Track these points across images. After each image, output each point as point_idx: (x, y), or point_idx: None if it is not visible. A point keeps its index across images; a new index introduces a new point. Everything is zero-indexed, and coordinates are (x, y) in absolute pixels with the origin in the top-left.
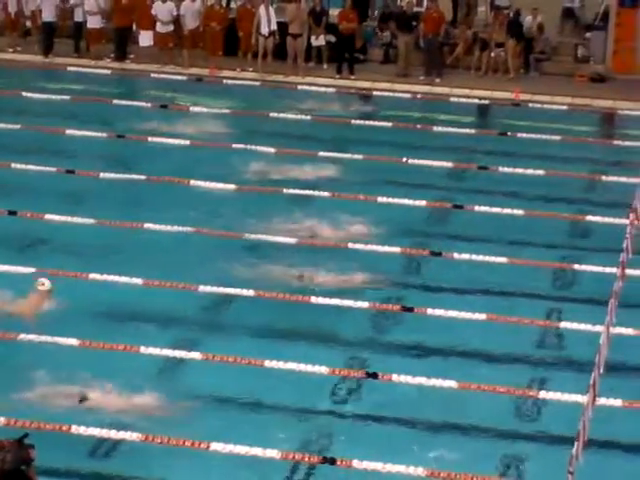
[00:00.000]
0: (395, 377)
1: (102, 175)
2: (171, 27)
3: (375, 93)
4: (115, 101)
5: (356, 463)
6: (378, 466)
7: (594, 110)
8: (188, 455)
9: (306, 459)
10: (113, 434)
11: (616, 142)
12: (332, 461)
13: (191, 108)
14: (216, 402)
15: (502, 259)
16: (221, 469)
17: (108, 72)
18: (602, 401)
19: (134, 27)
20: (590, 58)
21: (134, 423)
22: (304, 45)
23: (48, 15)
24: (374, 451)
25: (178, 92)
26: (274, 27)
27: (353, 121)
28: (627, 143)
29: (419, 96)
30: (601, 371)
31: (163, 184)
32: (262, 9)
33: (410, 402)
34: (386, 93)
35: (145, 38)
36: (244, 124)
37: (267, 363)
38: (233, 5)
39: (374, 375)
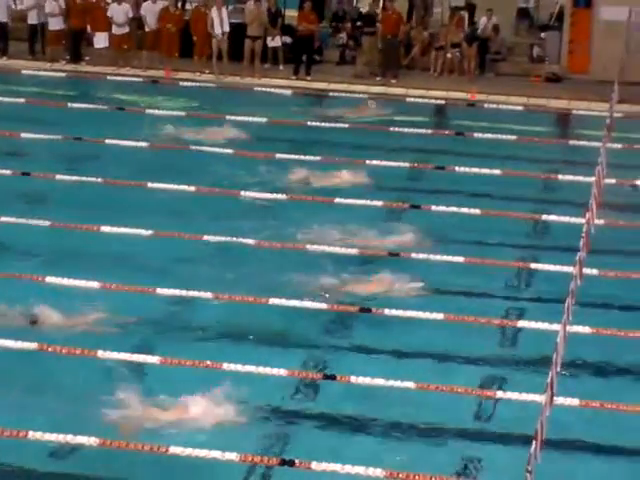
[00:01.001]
0: (353, 378)
1: (58, 177)
2: (127, 29)
3: (331, 94)
4: (70, 104)
5: (315, 465)
6: (337, 467)
7: (549, 110)
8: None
9: (265, 461)
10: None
11: (571, 142)
12: (291, 463)
13: (147, 110)
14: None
15: (459, 259)
16: (183, 473)
17: (63, 74)
18: (560, 400)
19: (88, 29)
20: (545, 58)
21: None
22: (262, 47)
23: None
24: (333, 453)
25: (134, 94)
26: (227, 28)
27: (310, 123)
28: (582, 143)
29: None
30: (558, 370)
31: (120, 187)
32: (214, 11)
33: (368, 403)
34: (342, 94)
35: (100, 40)
36: (201, 126)
37: (225, 366)
38: (189, 7)
39: (332, 377)
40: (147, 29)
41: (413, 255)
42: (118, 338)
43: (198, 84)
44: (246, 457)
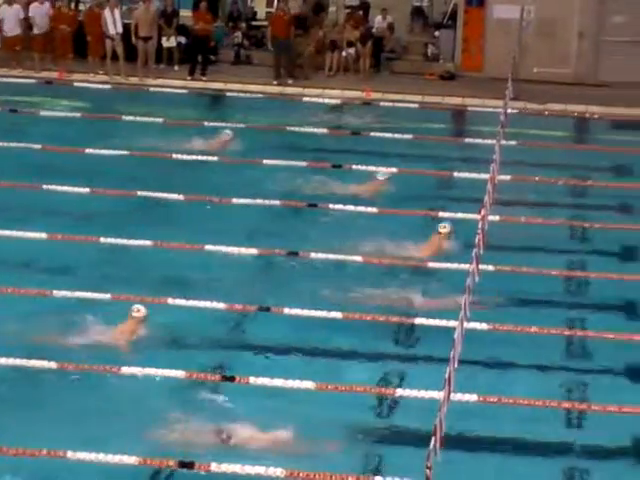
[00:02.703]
0: (252, 379)
1: None
2: (19, 30)
3: (228, 94)
4: None
5: (214, 467)
6: (237, 468)
7: (444, 108)
8: None
9: (164, 464)
10: None
11: (466, 139)
12: (190, 465)
13: (41, 112)
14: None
15: (357, 257)
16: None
17: None
18: (458, 396)
19: None
20: (440, 56)
21: None
22: (154, 47)
23: None
24: (233, 454)
25: (28, 96)
26: (120, 29)
27: (206, 123)
28: (477, 140)
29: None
30: (456, 366)
31: (15, 189)
32: (107, 11)
33: (266, 404)
34: (239, 94)
35: None
36: (95, 127)
37: (124, 370)
38: (82, 7)
39: (231, 378)
40: (36, 31)
41: (312, 255)
42: None
43: (93, 85)
44: (147, 460)
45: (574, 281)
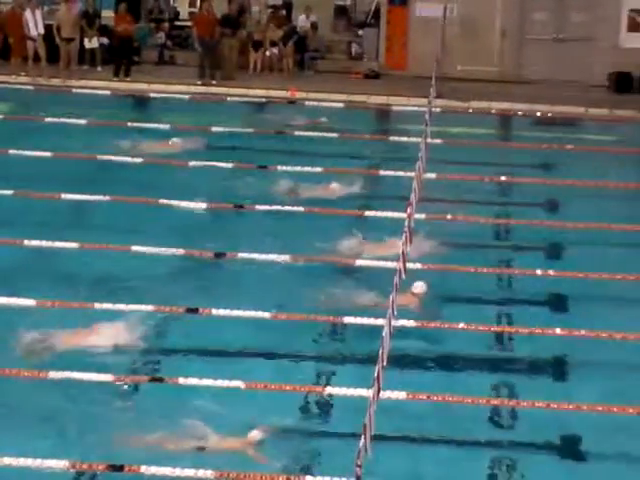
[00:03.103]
0: (182, 380)
1: None
2: None
3: (152, 95)
4: None
5: (144, 469)
6: (167, 471)
7: (369, 106)
8: None
9: (93, 468)
10: None
11: (391, 137)
12: (120, 468)
13: None
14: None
15: (286, 257)
16: None
17: None
18: (387, 394)
19: None
20: (364, 55)
21: None
22: (77, 48)
23: None
24: (162, 456)
25: None
26: (41, 30)
27: (130, 124)
28: (403, 138)
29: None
30: (384, 364)
31: None
32: (28, 12)
33: (196, 404)
34: (163, 95)
35: None
36: (18, 129)
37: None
38: (3, 8)
39: (160, 379)
40: None
41: (240, 255)
42: None
43: (15, 86)
44: (74, 464)
45: (502, 277)
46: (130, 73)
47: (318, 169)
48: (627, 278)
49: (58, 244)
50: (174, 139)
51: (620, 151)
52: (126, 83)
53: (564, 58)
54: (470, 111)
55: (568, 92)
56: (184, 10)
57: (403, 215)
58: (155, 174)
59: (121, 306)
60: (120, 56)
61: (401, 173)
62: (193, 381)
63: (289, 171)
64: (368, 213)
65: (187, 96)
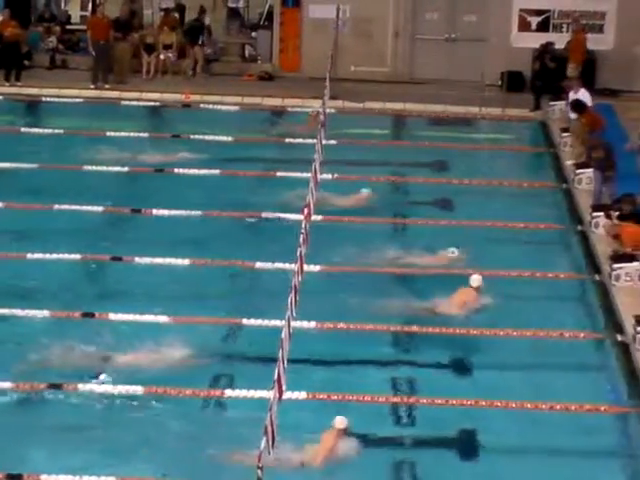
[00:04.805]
0: (81, 386)
1: None
2: None
3: (44, 99)
4: None
5: (44, 478)
6: (68, 478)
7: (264, 108)
8: None
9: None
10: None
11: (287, 139)
12: (18, 477)
13: None
14: None
15: (185, 261)
16: None
17: None
18: (287, 394)
19: None
20: (257, 57)
21: None
22: None
23: None
24: (73, 463)
25: None
26: None
27: (23, 129)
28: (298, 140)
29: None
30: (285, 365)
31: None
32: None
33: (96, 411)
34: (55, 99)
35: None
36: None
37: None
38: None
39: (58, 386)
40: None
41: (137, 259)
42: None
43: None
44: None
45: (399, 277)
46: (21, 77)
47: (215, 171)
48: (522, 275)
49: None
50: (68, 144)
51: (513, 149)
52: (17, 88)
53: (457, 58)
54: (364, 112)
55: (461, 92)
56: (75, 14)
57: (300, 217)
58: (49, 179)
59: (18, 311)
60: (9, 61)
61: (297, 174)
62: (93, 387)
63: (186, 174)
64: (265, 215)
65: (80, 100)
